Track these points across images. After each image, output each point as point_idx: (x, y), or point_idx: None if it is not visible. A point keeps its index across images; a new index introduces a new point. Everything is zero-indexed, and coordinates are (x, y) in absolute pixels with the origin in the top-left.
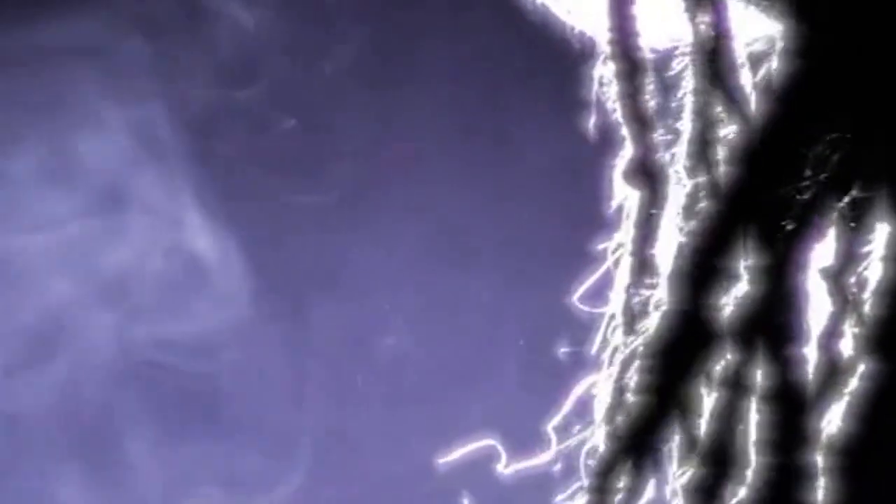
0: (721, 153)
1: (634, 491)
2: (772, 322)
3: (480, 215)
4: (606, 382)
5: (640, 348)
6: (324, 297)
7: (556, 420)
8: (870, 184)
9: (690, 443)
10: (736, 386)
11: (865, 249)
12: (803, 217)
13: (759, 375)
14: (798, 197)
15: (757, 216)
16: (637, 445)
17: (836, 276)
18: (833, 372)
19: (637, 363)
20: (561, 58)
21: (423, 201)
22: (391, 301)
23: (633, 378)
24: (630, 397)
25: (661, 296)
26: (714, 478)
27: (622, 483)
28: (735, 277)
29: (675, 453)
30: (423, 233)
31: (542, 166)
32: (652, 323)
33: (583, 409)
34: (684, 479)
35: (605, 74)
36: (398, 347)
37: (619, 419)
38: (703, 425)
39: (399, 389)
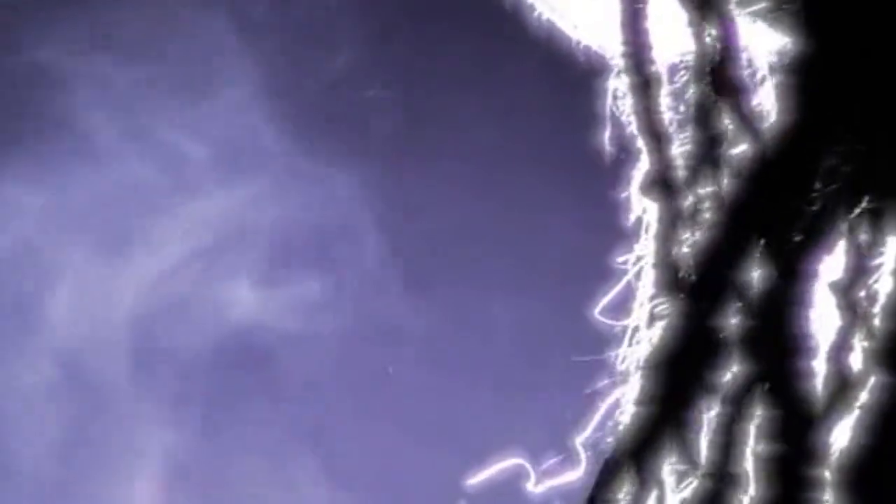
0: (724, 164)
1: (636, 501)
2: (780, 334)
3: (496, 231)
4: (631, 395)
5: (645, 358)
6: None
7: (585, 436)
8: (880, 195)
9: (694, 454)
10: (742, 398)
11: (875, 263)
12: (813, 228)
13: (766, 388)
14: (808, 208)
15: (766, 227)
16: (638, 456)
17: (846, 290)
18: (842, 386)
19: (640, 373)
20: (577, 73)
21: (445, 215)
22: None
23: (636, 388)
24: (633, 407)
25: (668, 307)
26: (717, 490)
27: (623, 493)
28: (743, 289)
29: (679, 465)
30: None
31: (560, 183)
32: (657, 333)
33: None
34: (688, 492)
35: (618, 88)
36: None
37: (622, 429)
38: (708, 437)
39: (425, 409)
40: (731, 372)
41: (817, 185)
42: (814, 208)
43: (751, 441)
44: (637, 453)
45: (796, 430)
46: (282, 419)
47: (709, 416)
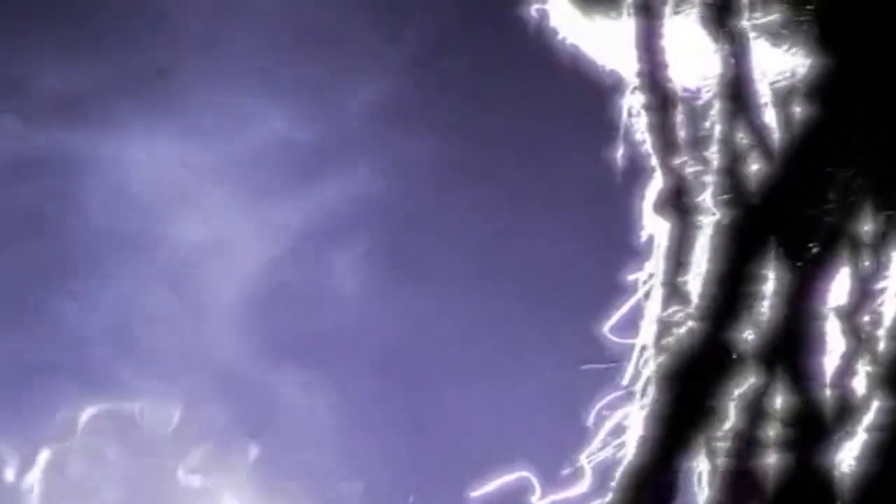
0: (740, 181)
1: None
2: (794, 348)
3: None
4: (640, 411)
5: (656, 374)
6: None
7: (590, 451)
8: (890, 212)
9: (712, 462)
10: (756, 410)
11: (880, 287)
12: (829, 240)
13: (780, 401)
14: (823, 221)
15: (783, 239)
16: (657, 463)
17: (850, 316)
18: (846, 410)
19: (652, 388)
20: (593, 93)
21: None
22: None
23: (648, 403)
24: (653, 418)
25: (687, 318)
26: (735, 498)
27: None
28: (759, 301)
29: (697, 473)
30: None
31: (575, 196)
32: (668, 349)
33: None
34: (705, 498)
35: (634, 106)
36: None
37: (641, 437)
38: (724, 447)
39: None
40: (744, 387)
41: (832, 198)
42: (829, 220)
43: (766, 452)
44: (652, 465)
45: (808, 443)
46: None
47: (722, 429)
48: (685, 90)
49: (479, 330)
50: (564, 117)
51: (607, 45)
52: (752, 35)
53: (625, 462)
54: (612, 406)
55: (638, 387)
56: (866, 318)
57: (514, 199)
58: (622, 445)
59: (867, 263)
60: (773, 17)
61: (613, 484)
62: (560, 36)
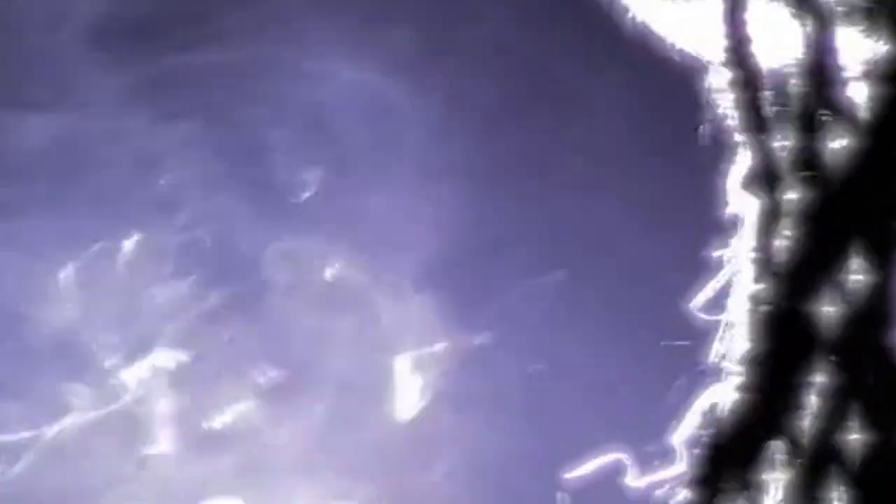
0: (824, 159)
1: (738, 489)
2: (876, 328)
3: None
4: (729, 390)
5: (744, 353)
6: None
7: (683, 430)
8: None
9: (794, 444)
10: (840, 392)
11: None
12: None
13: (862, 383)
14: None
15: (865, 220)
16: (742, 444)
17: None
18: None
19: (740, 367)
20: (673, 73)
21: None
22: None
23: (735, 382)
24: (737, 398)
25: (766, 301)
26: (816, 478)
27: (726, 481)
28: (841, 282)
29: (779, 455)
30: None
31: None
32: (755, 328)
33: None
34: (788, 480)
35: (719, 83)
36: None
37: (723, 419)
38: (808, 428)
39: (528, 405)
40: (827, 368)
41: None
42: None
43: (848, 433)
44: (737, 445)
45: (890, 424)
46: None
47: (805, 409)
48: (769, 70)
49: (564, 309)
50: (646, 94)
51: (680, 24)
52: (835, 14)
53: (711, 440)
54: (698, 384)
55: (724, 364)
56: None
57: (600, 178)
58: (709, 424)
59: None
60: None
61: (699, 462)
62: (632, 15)
